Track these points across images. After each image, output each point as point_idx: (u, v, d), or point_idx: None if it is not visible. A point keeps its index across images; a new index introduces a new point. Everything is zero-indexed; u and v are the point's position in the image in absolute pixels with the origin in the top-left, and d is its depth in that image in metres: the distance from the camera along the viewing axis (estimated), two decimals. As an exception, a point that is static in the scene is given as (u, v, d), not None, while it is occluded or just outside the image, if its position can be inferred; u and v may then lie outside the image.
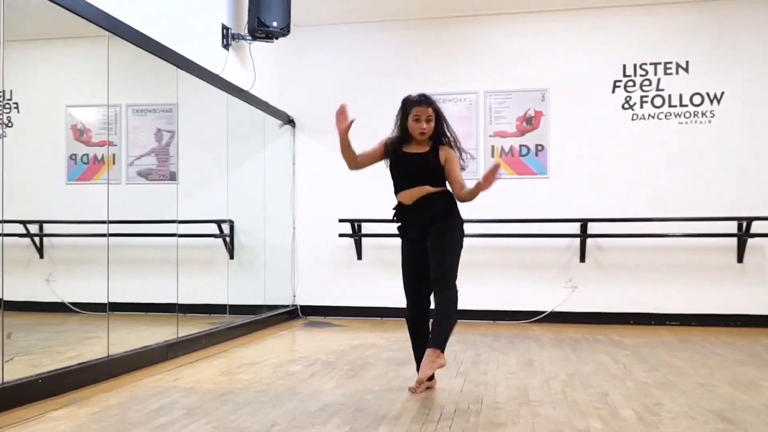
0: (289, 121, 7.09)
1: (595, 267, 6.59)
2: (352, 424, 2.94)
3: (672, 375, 4.08)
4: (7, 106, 7.76)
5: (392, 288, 6.79)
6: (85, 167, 7.55)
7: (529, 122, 6.79)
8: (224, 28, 5.65)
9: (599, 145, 6.64)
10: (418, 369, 3.65)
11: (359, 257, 6.99)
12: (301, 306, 7.08)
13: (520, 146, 6.80)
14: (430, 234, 3.58)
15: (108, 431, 2.84)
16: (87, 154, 7.54)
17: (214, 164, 6.92)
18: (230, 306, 6.05)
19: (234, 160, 7.20)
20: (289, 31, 5.73)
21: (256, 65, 6.16)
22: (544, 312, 6.61)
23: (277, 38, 5.77)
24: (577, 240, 6.57)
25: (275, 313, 6.69)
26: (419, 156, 3.62)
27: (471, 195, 3.49)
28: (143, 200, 7.12)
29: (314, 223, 7.11)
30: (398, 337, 5.57)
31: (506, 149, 6.82)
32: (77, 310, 6.22)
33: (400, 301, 6.66)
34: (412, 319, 3.75)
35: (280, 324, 6.53)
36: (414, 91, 7.11)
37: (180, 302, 5.32)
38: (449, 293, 3.55)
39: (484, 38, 6.90)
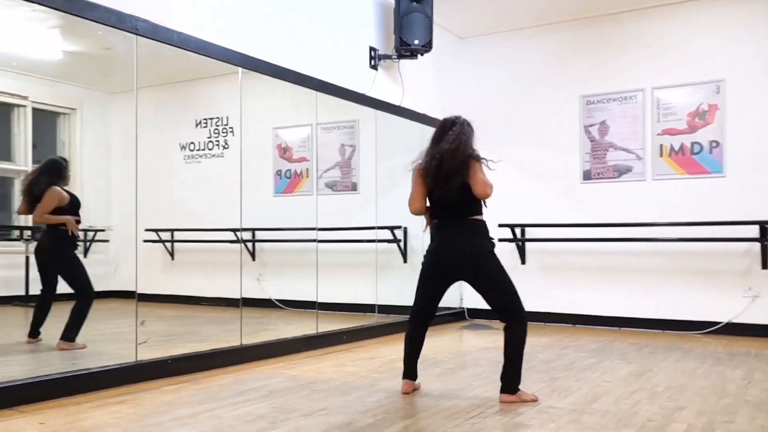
0: (453, 131, 7.36)
1: (782, 274, 5.90)
2: (411, 419, 3.20)
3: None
4: (224, 130, 9.12)
5: (555, 293, 6.76)
6: (288, 181, 8.58)
7: (702, 117, 6.28)
8: (371, 49, 6.14)
9: (782, 139, 5.94)
10: (405, 374, 3.74)
11: (523, 262, 7.02)
12: (468, 309, 7.30)
13: (692, 143, 6.32)
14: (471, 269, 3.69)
15: (192, 404, 3.42)
16: (289, 170, 8.57)
17: (386, 176, 7.45)
18: (399, 306, 6.48)
19: (401, 171, 7.65)
20: (431, 48, 6.04)
21: (413, 79, 6.56)
22: (719, 323, 6.07)
23: (421, 54, 6.12)
24: (758, 244, 5.93)
25: (439, 314, 6.99)
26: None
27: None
28: (329, 209, 7.80)
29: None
30: (546, 343, 5.57)
31: (676, 147, 6.38)
32: (282, 306, 7.06)
33: (562, 306, 6.66)
34: (415, 323, 3.88)
35: (441, 325, 6.82)
36: (574, 92, 7.00)
37: (348, 302, 5.93)
38: (520, 329, 3.56)
39: (648, 31, 6.54)
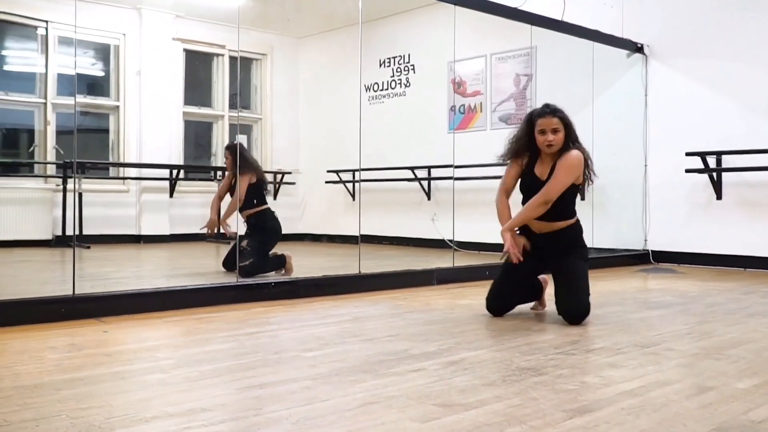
0: (638, 49, 6.43)
1: None
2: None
3: None
4: (406, 68, 8.91)
5: (758, 233, 5.70)
6: (462, 117, 8.18)
7: None
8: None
9: None
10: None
11: (719, 197, 5.99)
12: (653, 251, 6.43)
13: None
14: (556, 260, 3.40)
15: (262, 324, 3.31)
16: (463, 105, 8.16)
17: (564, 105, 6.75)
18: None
19: (581, 99, 6.90)
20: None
21: None
22: None
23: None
24: None
25: (617, 255, 6.27)
26: (544, 182, 3.35)
27: (527, 217, 3.38)
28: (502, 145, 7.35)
29: (667, 159, 6.34)
30: (727, 288, 4.71)
31: None
32: (456, 248, 6.80)
33: (766, 249, 5.59)
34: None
35: (624, 266, 6.09)
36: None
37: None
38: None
39: None
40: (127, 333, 3.09)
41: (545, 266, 3.46)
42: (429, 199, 8.45)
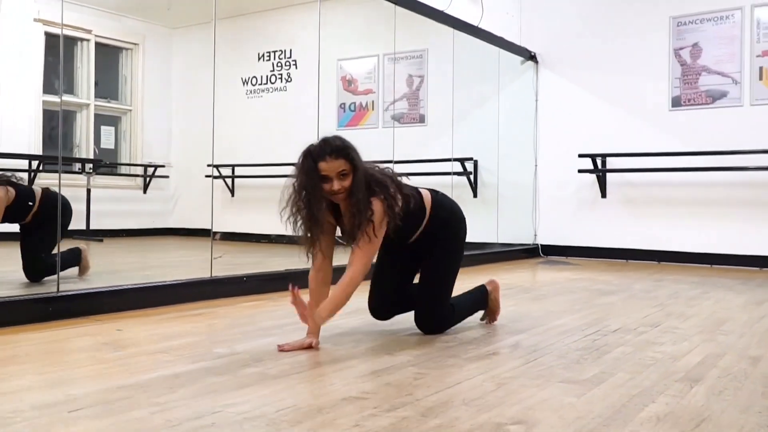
0: (531, 57, 6.95)
1: None
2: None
3: None
4: (287, 63, 8.83)
5: (639, 228, 6.39)
6: (353, 114, 8.28)
7: (810, 36, 5.76)
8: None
9: None
10: None
11: (603, 195, 6.65)
12: (542, 245, 6.97)
13: (797, 65, 5.81)
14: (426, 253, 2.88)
15: (274, 318, 3.21)
16: (354, 103, 8.26)
17: (456, 106, 7.08)
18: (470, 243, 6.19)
19: (474, 101, 7.30)
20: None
21: (491, 3, 6.17)
22: (823, 258, 5.64)
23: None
24: None
25: (511, 249, 6.71)
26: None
27: (343, 302, 2.57)
28: (396, 142, 7.51)
29: (556, 160, 6.91)
30: (625, 275, 5.25)
31: (778, 70, 5.88)
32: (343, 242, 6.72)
33: (646, 243, 6.28)
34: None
35: (516, 260, 6.53)
36: (664, 13, 6.53)
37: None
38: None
39: (751, -58, 6.00)
40: None
41: (419, 259, 2.89)
42: (315, 196, 8.43)
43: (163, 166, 8.95)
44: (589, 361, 2.39)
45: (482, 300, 3.06)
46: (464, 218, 2.97)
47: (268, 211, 8.68)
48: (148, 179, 8.73)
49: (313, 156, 2.52)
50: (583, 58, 6.79)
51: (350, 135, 7.70)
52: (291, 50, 8.75)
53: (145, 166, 8.69)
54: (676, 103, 6.32)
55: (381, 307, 2.92)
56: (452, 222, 2.89)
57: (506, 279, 4.86)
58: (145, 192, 8.96)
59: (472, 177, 7.16)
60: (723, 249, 6.05)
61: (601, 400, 1.91)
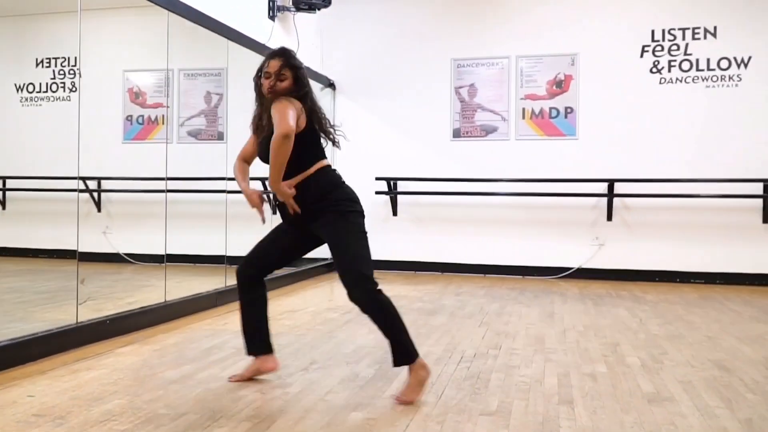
0: (330, 85, 7.42)
1: (622, 226, 6.83)
2: (381, 364, 3.34)
3: (684, 329, 4.37)
4: (72, 72, 8.27)
5: (425, 243, 7.20)
6: (140, 127, 8.03)
7: (559, 86, 6.99)
8: (270, 0, 5.98)
9: (627, 108, 6.82)
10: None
11: (395, 213, 7.36)
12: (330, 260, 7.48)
13: (550, 108, 7.01)
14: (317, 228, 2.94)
15: (168, 365, 3.28)
16: (142, 116, 8.02)
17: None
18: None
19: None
20: (330, 3, 6.03)
21: (300, 34, 6.48)
22: (571, 268, 6.90)
23: (319, 9, 6.08)
24: (605, 199, 6.81)
25: (314, 265, 7.13)
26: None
27: (278, 162, 2.74)
28: (193, 159, 7.51)
29: (353, 181, 7.45)
30: (429, 290, 5.96)
31: (536, 111, 7.04)
32: (131, 260, 6.67)
33: (431, 256, 7.10)
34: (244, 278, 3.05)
35: (319, 276, 6.96)
36: (447, 55, 7.38)
37: (228, 254, 5.76)
38: (368, 298, 2.78)
39: (516, 4, 7.09)
40: None
41: (309, 235, 2.98)
42: (99, 210, 8.05)
43: None
44: (483, 391, 2.91)
45: (408, 340, 2.81)
46: (351, 198, 3.08)
47: (48, 224, 8.10)
48: None
49: (268, 56, 2.89)
50: (377, 88, 7.44)
51: (138, 149, 7.60)
52: (76, 58, 8.20)
53: None
54: (457, 134, 7.23)
55: (257, 273, 3.01)
56: (335, 194, 2.98)
57: (299, 301, 5.26)
58: None
59: (271, 195, 7.42)
60: (497, 260, 7.09)
61: (526, 428, 2.43)
